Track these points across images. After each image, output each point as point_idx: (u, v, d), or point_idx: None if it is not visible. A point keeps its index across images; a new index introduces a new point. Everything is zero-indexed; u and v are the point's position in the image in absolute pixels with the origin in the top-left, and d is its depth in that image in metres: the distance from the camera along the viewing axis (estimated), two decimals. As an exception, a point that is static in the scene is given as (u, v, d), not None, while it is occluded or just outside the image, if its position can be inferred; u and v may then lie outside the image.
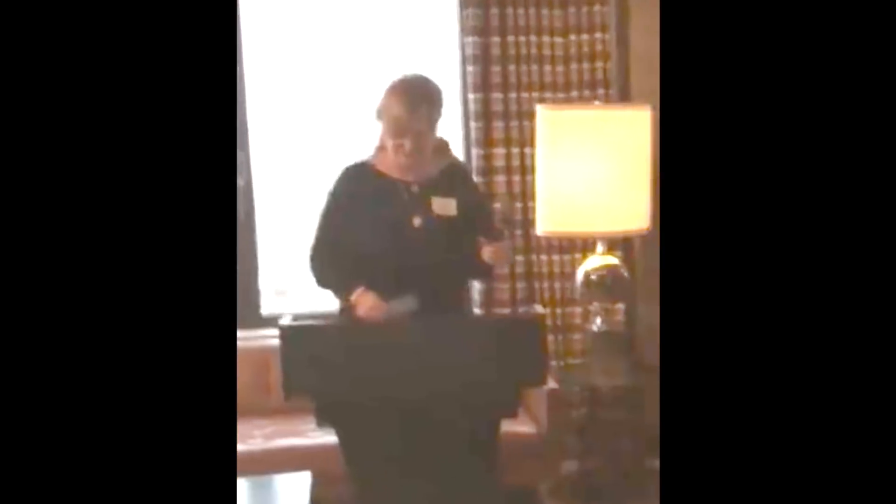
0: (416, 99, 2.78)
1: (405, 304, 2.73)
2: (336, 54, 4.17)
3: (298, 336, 2.25)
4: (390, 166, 2.86)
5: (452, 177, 2.95)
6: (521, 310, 4.03)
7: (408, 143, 2.78)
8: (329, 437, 3.45)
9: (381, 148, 2.91)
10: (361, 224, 2.78)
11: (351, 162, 2.96)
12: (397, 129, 2.78)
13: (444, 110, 2.92)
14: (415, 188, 2.86)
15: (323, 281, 2.85)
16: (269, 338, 3.94)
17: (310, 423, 3.53)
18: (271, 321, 4.22)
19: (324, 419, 2.38)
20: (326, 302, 3.04)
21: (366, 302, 2.71)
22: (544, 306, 4.12)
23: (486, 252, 2.78)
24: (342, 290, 2.80)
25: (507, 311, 4.06)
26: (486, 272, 3.01)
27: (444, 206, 2.86)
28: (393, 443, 2.34)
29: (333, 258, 2.82)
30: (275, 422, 3.71)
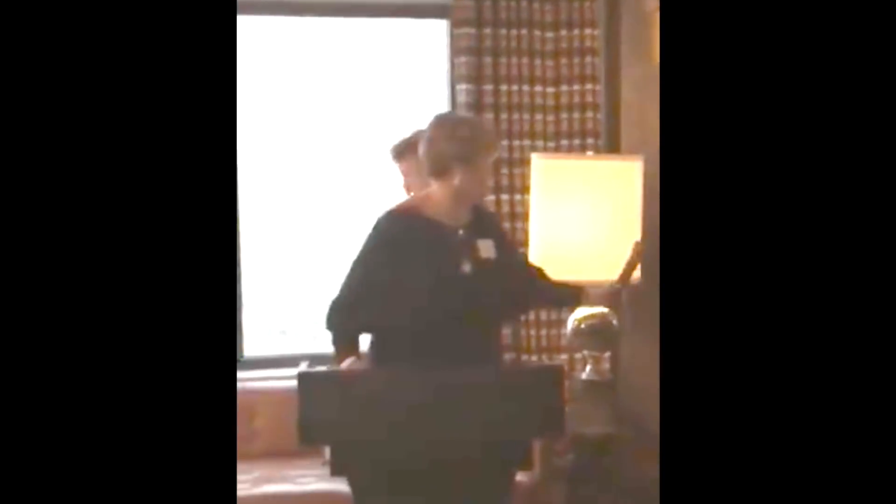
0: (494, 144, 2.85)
1: None
2: (326, 101, 4.18)
3: (316, 383, 2.22)
4: (440, 212, 2.79)
5: (484, 220, 2.93)
6: (540, 360, 4.06)
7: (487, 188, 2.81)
8: (319, 484, 3.43)
9: (425, 194, 2.87)
10: (412, 274, 2.69)
11: (394, 207, 2.87)
12: (484, 175, 2.79)
13: None
14: (461, 233, 2.80)
15: (337, 331, 2.72)
16: (251, 380, 3.91)
17: (297, 468, 3.48)
18: (253, 363, 4.21)
19: (340, 468, 2.35)
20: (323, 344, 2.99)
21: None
22: (531, 354, 4.13)
23: (596, 294, 2.90)
24: (338, 351, 2.70)
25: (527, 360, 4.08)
26: (575, 297, 3.07)
27: (487, 248, 2.82)
28: (409, 494, 2.32)
29: (356, 313, 2.71)
30: (260, 467, 3.65)
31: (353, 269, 2.74)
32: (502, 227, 3.02)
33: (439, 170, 2.74)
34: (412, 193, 3.38)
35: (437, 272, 2.71)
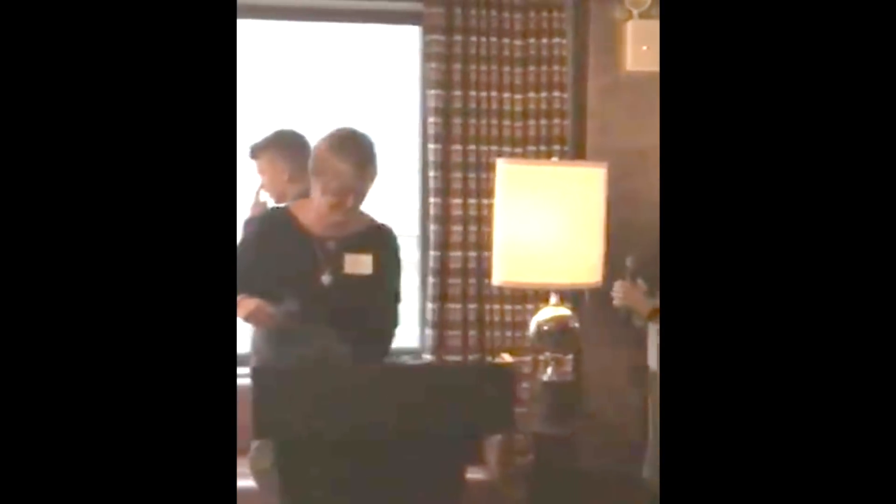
0: (365, 157, 2.79)
1: (288, 306, 2.78)
2: (298, 104, 4.23)
3: (271, 379, 2.29)
4: (311, 220, 2.83)
5: (373, 237, 2.94)
6: (490, 358, 4.11)
7: (350, 201, 2.77)
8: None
9: (306, 198, 2.90)
10: (267, 272, 2.77)
11: (267, 209, 2.98)
12: (342, 186, 2.75)
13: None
14: (331, 244, 2.85)
15: None
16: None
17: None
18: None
19: (286, 462, 2.40)
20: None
21: (246, 305, 2.73)
22: (494, 355, 4.20)
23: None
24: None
25: (474, 357, 4.16)
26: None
27: (358, 263, 2.85)
28: (358, 488, 2.38)
29: None
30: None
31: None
32: (392, 249, 3.00)
33: (314, 181, 2.79)
34: (266, 193, 3.50)
35: (296, 278, 2.78)
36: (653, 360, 3.59)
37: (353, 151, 2.78)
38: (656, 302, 3.35)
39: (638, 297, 3.48)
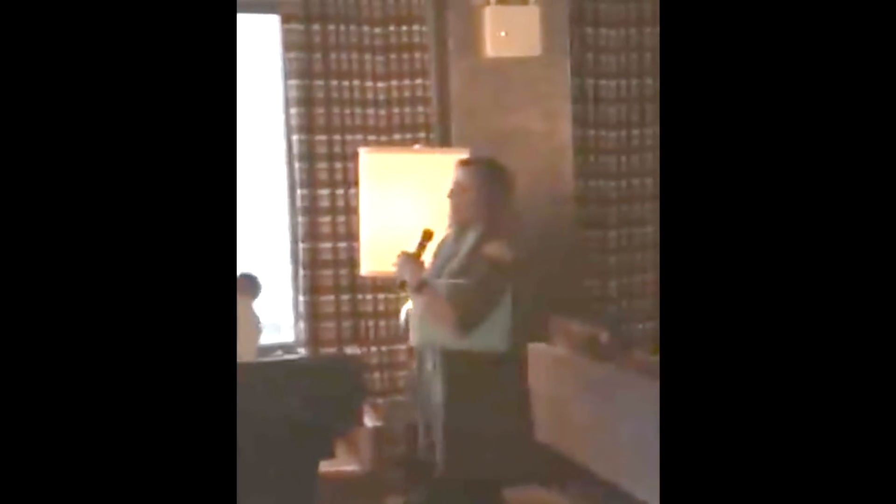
0: None
1: None
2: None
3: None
4: None
5: None
6: (340, 351, 4.08)
7: None
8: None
9: None
10: None
11: None
12: None
13: None
14: None
15: None
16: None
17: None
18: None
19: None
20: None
21: None
22: (370, 346, 4.19)
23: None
24: None
25: (329, 351, 4.13)
26: None
27: None
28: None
29: None
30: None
31: None
32: None
33: None
34: None
35: None
36: (413, 338, 3.15)
37: None
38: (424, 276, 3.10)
39: (411, 269, 3.23)
